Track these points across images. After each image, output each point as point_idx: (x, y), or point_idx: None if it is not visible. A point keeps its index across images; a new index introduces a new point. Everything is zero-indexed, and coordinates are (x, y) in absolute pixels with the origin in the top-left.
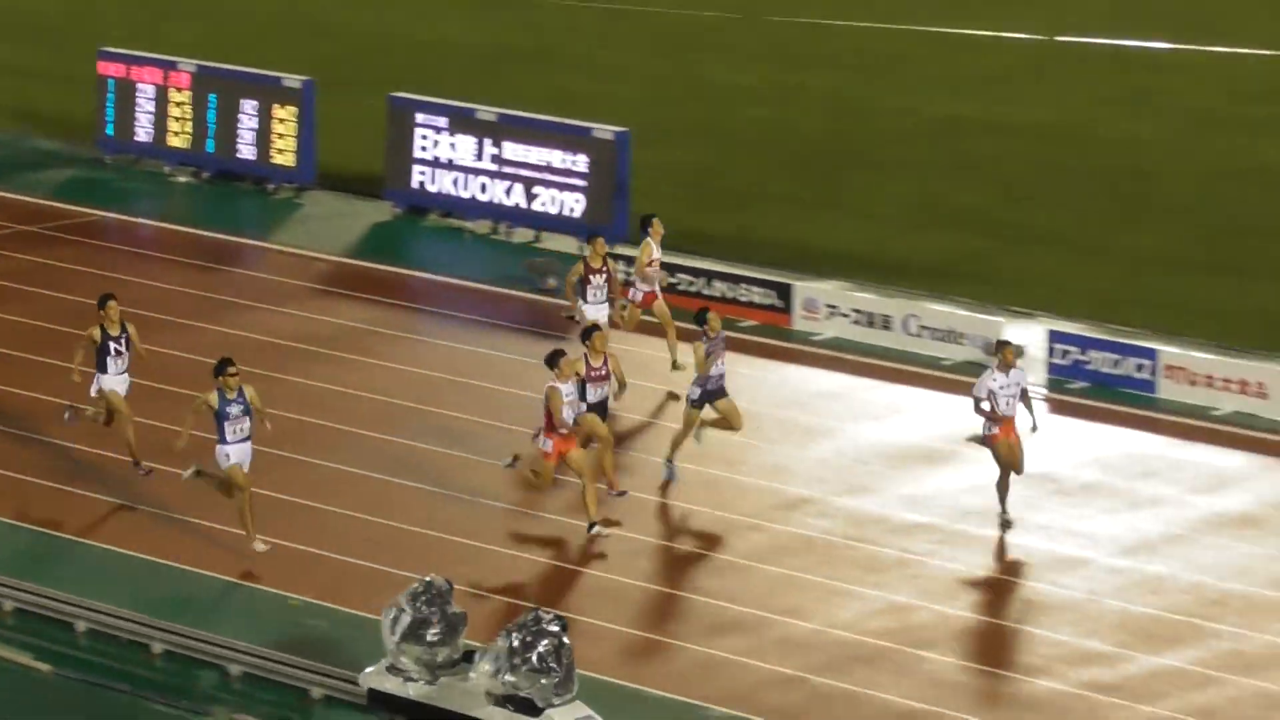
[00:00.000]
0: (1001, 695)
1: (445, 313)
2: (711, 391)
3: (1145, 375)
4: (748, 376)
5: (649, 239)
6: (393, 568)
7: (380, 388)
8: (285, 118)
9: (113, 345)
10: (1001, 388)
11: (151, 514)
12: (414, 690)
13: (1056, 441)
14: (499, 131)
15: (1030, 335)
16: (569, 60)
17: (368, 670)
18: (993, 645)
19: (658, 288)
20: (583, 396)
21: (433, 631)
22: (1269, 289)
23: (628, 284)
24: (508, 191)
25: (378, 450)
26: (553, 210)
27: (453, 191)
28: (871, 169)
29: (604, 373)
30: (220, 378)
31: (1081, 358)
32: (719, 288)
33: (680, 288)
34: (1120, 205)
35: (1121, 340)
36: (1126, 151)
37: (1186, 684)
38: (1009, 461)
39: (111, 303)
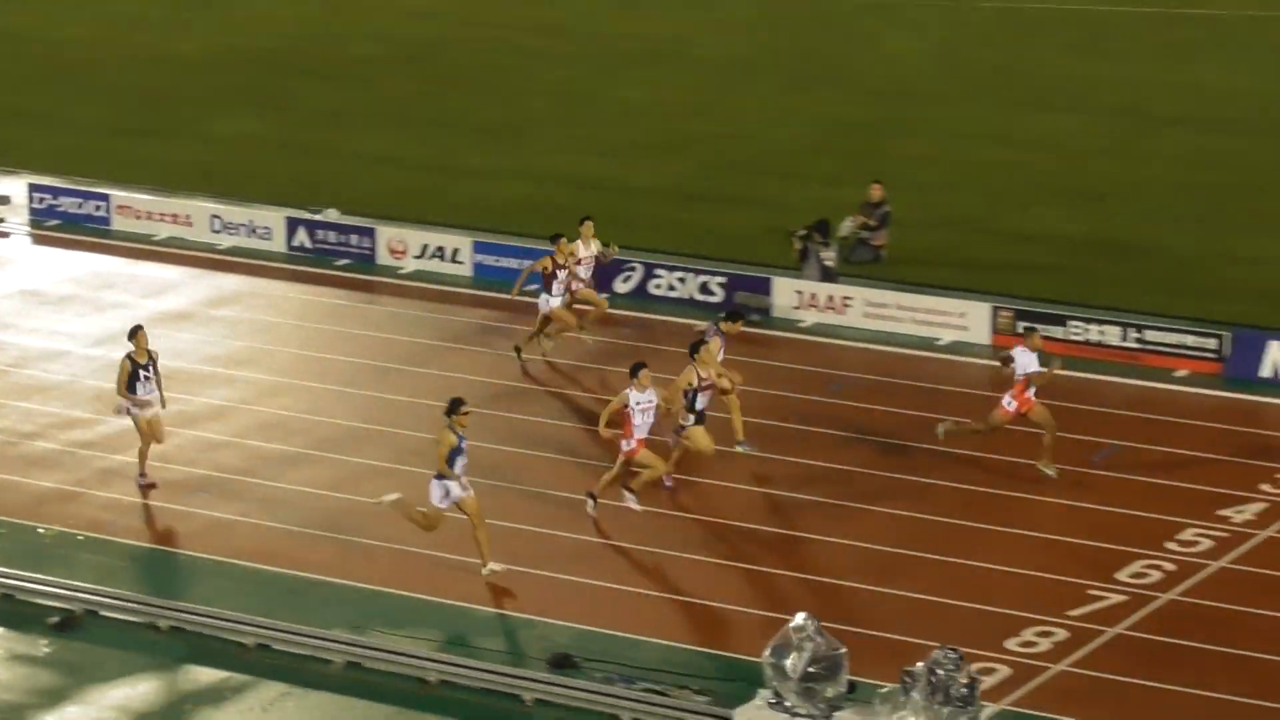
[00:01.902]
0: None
1: None
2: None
3: (103, 213)
4: None
5: (579, 240)
6: None
7: None
8: None
9: (141, 373)
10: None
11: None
12: None
13: (40, 266)
14: None
15: (15, 188)
16: None
17: (743, 706)
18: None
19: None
20: (692, 408)
21: (822, 666)
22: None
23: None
24: None
25: None
26: None
27: None
28: None
29: (709, 383)
30: (453, 416)
31: (55, 202)
32: None
33: None
34: (61, 85)
35: (83, 188)
36: (72, 47)
37: (201, 447)
38: (1045, 421)
39: (141, 333)
